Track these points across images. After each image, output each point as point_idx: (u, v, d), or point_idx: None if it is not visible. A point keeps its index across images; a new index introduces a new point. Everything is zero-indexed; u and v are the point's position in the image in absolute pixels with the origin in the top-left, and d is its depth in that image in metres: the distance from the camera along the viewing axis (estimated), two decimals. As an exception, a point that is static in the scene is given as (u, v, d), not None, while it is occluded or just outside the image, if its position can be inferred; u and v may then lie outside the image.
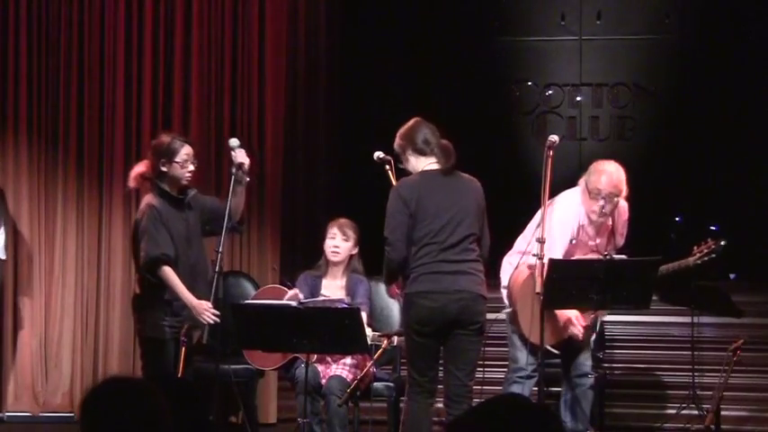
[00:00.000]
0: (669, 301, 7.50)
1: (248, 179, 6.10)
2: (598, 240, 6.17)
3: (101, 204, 7.95)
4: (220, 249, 5.94)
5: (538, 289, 5.75)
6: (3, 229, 7.78)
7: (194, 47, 7.92)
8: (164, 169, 6.01)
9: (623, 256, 6.07)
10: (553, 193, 6.05)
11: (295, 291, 6.35)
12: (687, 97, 8.59)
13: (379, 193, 5.82)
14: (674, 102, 8.66)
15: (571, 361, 6.14)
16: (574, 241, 6.15)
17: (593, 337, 6.25)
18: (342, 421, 6.08)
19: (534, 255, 5.80)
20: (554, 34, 8.69)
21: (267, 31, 7.92)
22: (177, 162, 6.01)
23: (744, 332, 7.20)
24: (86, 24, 7.97)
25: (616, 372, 7.58)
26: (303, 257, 7.16)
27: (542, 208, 5.92)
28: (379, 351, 5.97)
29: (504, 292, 6.24)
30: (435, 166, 5.63)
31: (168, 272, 5.90)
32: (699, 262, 6.25)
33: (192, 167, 6.06)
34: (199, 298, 5.96)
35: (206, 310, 5.90)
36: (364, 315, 6.19)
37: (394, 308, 6.64)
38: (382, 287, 6.81)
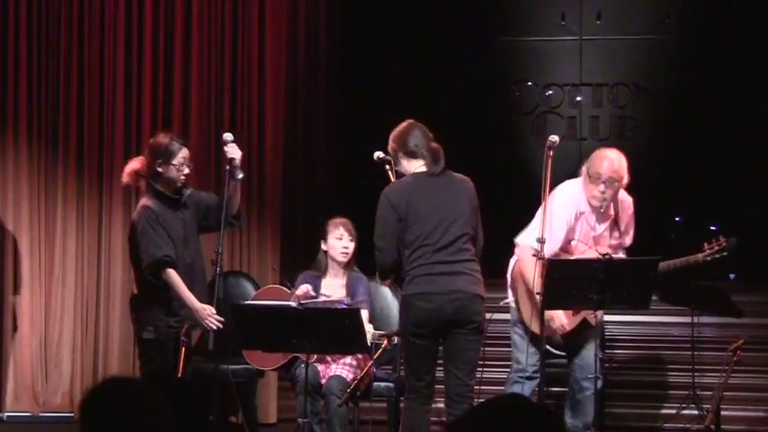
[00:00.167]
0: (669, 301, 7.50)
1: (242, 174, 6.08)
2: (600, 230, 6.16)
3: (101, 204, 7.95)
4: (220, 249, 5.94)
5: (538, 289, 5.76)
6: None
7: (194, 47, 7.92)
8: (159, 170, 6.00)
9: (623, 256, 6.07)
10: (553, 194, 6.08)
11: (307, 287, 6.36)
12: (687, 97, 8.59)
13: (379, 194, 5.82)
14: (674, 102, 8.65)
15: (579, 363, 6.13)
16: (574, 242, 6.15)
17: (599, 338, 6.23)
18: (342, 421, 6.08)
19: (534, 255, 5.80)
20: (554, 34, 8.69)
21: (267, 31, 7.92)
22: (174, 165, 6.00)
23: (744, 332, 7.20)
24: (86, 24, 7.97)
25: (616, 372, 7.58)
26: (303, 257, 7.16)
27: (542, 208, 5.92)
28: (379, 351, 5.97)
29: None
30: (425, 169, 5.64)
31: (172, 275, 5.90)
32: (709, 259, 6.25)
33: (187, 171, 6.05)
34: (197, 297, 5.97)
35: (209, 316, 5.90)
36: (366, 313, 6.21)
37: (394, 308, 6.64)
38: (382, 287, 6.84)
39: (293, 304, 5.90)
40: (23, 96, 7.96)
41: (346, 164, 8.26)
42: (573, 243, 6.17)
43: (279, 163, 7.94)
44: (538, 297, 5.79)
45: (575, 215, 6.14)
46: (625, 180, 6.14)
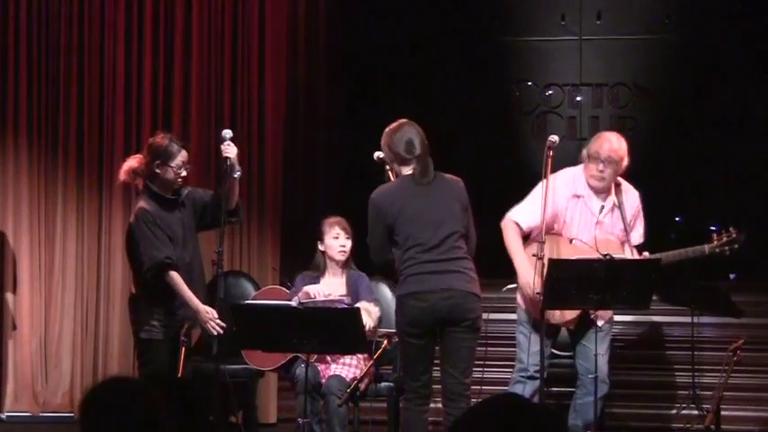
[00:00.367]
0: (669, 301, 7.49)
1: (239, 172, 6.07)
2: (602, 216, 6.15)
3: (101, 205, 7.95)
4: (220, 249, 5.94)
5: (538, 289, 5.76)
6: None
7: (194, 46, 7.93)
8: (157, 171, 5.99)
9: (623, 256, 6.07)
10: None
11: (317, 288, 6.39)
12: (687, 97, 8.59)
13: (379, 193, 5.82)
14: (673, 102, 8.65)
15: (585, 363, 6.12)
16: (574, 241, 6.14)
17: (609, 341, 6.22)
18: (342, 421, 6.08)
19: (534, 255, 5.80)
20: (554, 34, 8.69)
21: (267, 31, 7.92)
22: (171, 167, 5.99)
23: (744, 332, 7.19)
24: (86, 24, 7.97)
25: (616, 372, 7.57)
26: (303, 258, 7.16)
27: (542, 207, 5.92)
28: (379, 351, 5.98)
29: None
30: (411, 172, 5.65)
31: (175, 277, 5.90)
32: (716, 250, 6.20)
33: (184, 173, 6.04)
34: (195, 296, 5.98)
35: (211, 320, 5.90)
36: (377, 310, 6.22)
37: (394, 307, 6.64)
38: (381, 287, 6.84)
39: (293, 304, 5.90)
40: (23, 96, 7.96)
41: (346, 164, 8.26)
42: (573, 232, 6.15)
43: (279, 163, 7.94)
44: (538, 297, 5.80)
45: (568, 197, 6.13)
46: (625, 162, 6.16)
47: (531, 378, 6.06)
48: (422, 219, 5.55)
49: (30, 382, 7.90)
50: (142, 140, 7.73)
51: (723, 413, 6.80)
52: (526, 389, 6.05)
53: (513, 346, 6.38)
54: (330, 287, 6.46)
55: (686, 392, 7.30)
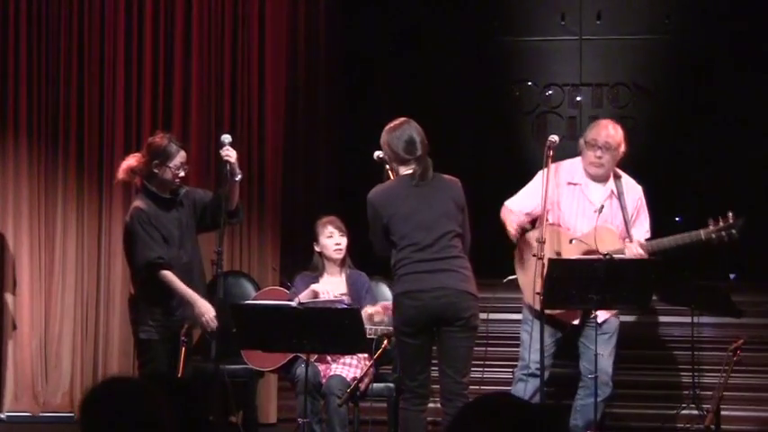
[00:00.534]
0: (669, 301, 7.49)
1: (240, 175, 6.07)
2: (600, 206, 6.15)
3: (101, 205, 7.95)
4: (220, 249, 5.94)
5: (538, 289, 5.76)
6: None
7: (194, 47, 7.92)
8: (155, 171, 6.00)
9: (623, 256, 6.07)
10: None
11: (325, 287, 6.40)
12: (687, 97, 8.59)
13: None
14: (673, 101, 8.65)
15: (587, 364, 6.12)
16: (574, 241, 6.14)
17: (614, 343, 6.22)
18: (342, 421, 6.08)
19: (534, 255, 5.80)
20: (554, 34, 8.69)
21: (267, 31, 7.92)
22: (170, 167, 5.99)
23: (744, 332, 7.19)
24: (86, 24, 7.97)
25: (616, 372, 7.57)
26: (303, 257, 7.16)
27: (542, 207, 5.92)
28: (379, 351, 5.97)
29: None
30: (411, 172, 5.66)
31: (168, 276, 5.91)
32: (713, 236, 6.17)
33: (182, 174, 6.04)
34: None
35: (209, 311, 5.91)
36: (379, 307, 6.23)
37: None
38: (381, 287, 6.84)
39: (293, 304, 5.90)
40: (23, 96, 7.96)
41: (346, 164, 8.26)
42: (571, 222, 6.15)
43: (279, 163, 7.94)
44: (538, 297, 5.80)
45: (561, 184, 6.13)
46: (622, 148, 6.19)
47: (532, 375, 6.05)
48: (416, 218, 5.56)
49: (30, 382, 7.90)
50: (142, 140, 7.72)
51: (723, 413, 6.79)
52: (528, 387, 6.05)
53: (513, 345, 6.38)
54: (330, 286, 6.47)
55: (686, 392, 7.30)
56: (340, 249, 6.51)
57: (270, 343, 5.75)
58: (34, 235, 7.94)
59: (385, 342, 5.96)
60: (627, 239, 6.17)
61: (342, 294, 6.46)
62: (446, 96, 8.53)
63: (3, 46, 7.97)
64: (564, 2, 8.67)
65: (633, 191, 6.28)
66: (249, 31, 7.92)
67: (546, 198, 5.93)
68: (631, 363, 7.46)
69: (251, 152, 7.86)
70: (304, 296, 6.38)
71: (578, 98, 8.67)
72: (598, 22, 8.61)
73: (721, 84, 8.46)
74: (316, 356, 6.08)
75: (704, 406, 7.04)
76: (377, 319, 6.21)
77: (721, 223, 6.16)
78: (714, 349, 7.30)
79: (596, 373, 5.98)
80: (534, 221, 6.20)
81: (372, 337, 6.06)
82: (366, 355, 6.22)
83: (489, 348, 6.46)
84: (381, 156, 5.90)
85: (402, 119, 5.73)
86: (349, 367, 6.28)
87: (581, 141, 6.24)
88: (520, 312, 6.37)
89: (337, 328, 5.56)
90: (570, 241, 6.14)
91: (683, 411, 7.25)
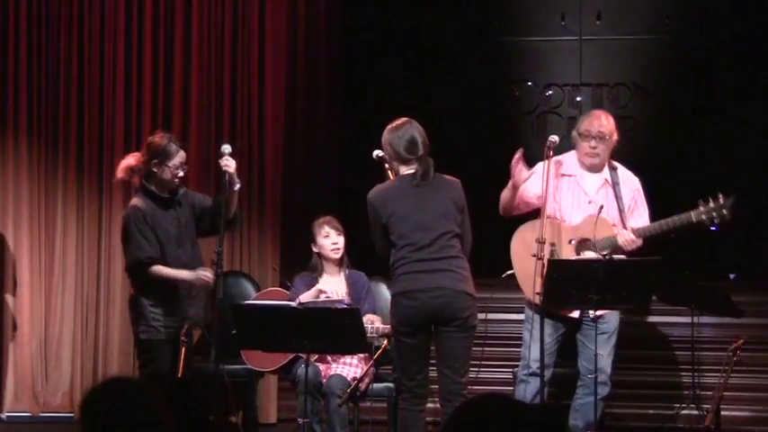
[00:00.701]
0: (669, 301, 7.49)
1: (238, 185, 6.09)
2: (593, 195, 6.15)
3: (101, 205, 7.95)
4: (220, 249, 5.94)
5: (538, 289, 5.76)
6: None
7: (194, 47, 7.92)
8: (154, 170, 6.01)
9: (623, 256, 6.07)
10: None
11: (333, 288, 6.41)
12: (687, 97, 8.59)
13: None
14: (673, 101, 8.65)
15: (586, 363, 6.12)
16: (573, 241, 6.14)
17: (613, 343, 6.21)
18: (342, 421, 6.08)
19: (534, 255, 5.80)
20: (554, 34, 8.69)
21: (267, 31, 7.92)
22: (169, 166, 6.00)
23: (744, 332, 7.19)
24: (86, 24, 7.97)
25: (616, 372, 7.57)
26: (303, 258, 7.16)
27: (542, 206, 5.93)
28: (379, 351, 5.98)
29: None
30: (412, 171, 5.66)
31: (156, 269, 5.93)
32: (703, 217, 6.15)
33: (181, 174, 6.06)
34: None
35: (201, 271, 5.92)
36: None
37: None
38: (381, 287, 6.85)
39: (293, 304, 5.90)
40: (23, 96, 7.96)
41: (346, 164, 8.26)
42: (567, 214, 6.15)
43: (279, 163, 7.94)
44: (537, 297, 5.79)
45: (556, 176, 6.13)
46: (615, 137, 6.24)
47: (533, 375, 6.04)
48: (414, 218, 5.57)
49: (30, 382, 7.90)
50: (142, 140, 7.71)
51: (723, 413, 6.80)
52: (529, 387, 6.04)
53: (511, 345, 6.38)
54: (330, 286, 6.47)
55: (686, 392, 7.30)
56: (338, 249, 6.52)
57: (270, 343, 5.75)
58: (34, 235, 7.94)
59: (385, 342, 5.97)
60: (617, 227, 6.16)
61: (342, 293, 6.46)
62: (446, 96, 8.53)
63: (3, 46, 7.97)
64: (564, 2, 8.66)
65: (630, 182, 6.29)
66: (249, 31, 7.92)
67: (546, 198, 5.92)
68: (631, 363, 7.47)
69: (251, 152, 7.86)
70: (309, 295, 6.38)
71: (578, 98, 8.67)
72: (598, 23, 8.61)
73: (721, 84, 8.46)
74: (316, 356, 6.08)
75: (704, 406, 7.05)
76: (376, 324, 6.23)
77: (711, 204, 6.15)
78: (714, 349, 7.31)
79: (596, 372, 5.98)
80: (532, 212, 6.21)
81: (373, 335, 6.07)
82: (366, 355, 6.22)
83: (488, 348, 6.45)
84: (381, 155, 5.90)
85: (404, 119, 5.74)
86: (349, 367, 6.28)
87: (574, 134, 6.27)
88: (518, 312, 6.38)
89: (337, 328, 5.56)
90: (570, 242, 6.13)
91: (683, 411, 7.25)
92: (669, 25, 8.57)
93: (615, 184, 6.20)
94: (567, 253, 6.09)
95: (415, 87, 8.54)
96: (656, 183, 8.11)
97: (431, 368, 5.71)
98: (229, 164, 6.02)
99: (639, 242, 6.12)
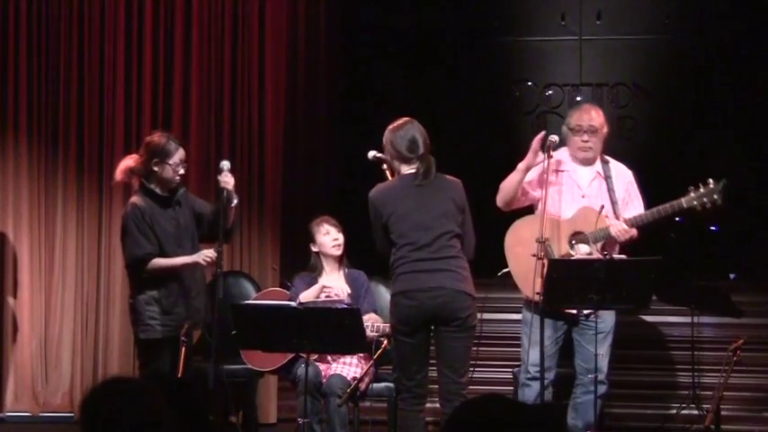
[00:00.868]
0: (669, 301, 7.49)
1: (236, 200, 6.10)
2: (586, 188, 6.16)
3: (101, 205, 7.95)
4: (219, 249, 5.94)
5: (538, 289, 5.75)
6: None
7: (194, 47, 7.92)
8: (155, 169, 6.01)
9: (623, 256, 6.06)
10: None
11: (339, 286, 6.42)
12: (687, 97, 8.59)
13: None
14: (673, 102, 8.65)
15: (582, 363, 6.12)
16: (573, 241, 6.14)
17: (609, 342, 6.21)
18: (342, 421, 6.08)
19: (534, 255, 5.80)
20: (554, 34, 8.69)
21: (267, 31, 7.92)
22: (170, 164, 6.01)
23: (744, 332, 7.19)
24: (86, 24, 7.97)
25: (616, 372, 7.58)
26: (303, 258, 7.16)
27: (542, 206, 5.93)
28: (379, 351, 5.98)
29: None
30: (413, 170, 5.67)
31: (155, 262, 5.92)
32: (695, 203, 6.13)
33: (182, 171, 6.06)
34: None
35: (204, 251, 5.92)
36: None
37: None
38: (381, 287, 6.85)
39: (293, 304, 5.90)
40: (23, 96, 7.96)
41: (346, 164, 8.27)
42: (562, 208, 6.16)
43: (279, 163, 7.94)
44: (537, 297, 5.79)
45: (545, 169, 6.15)
46: (605, 129, 6.24)
47: (533, 379, 6.04)
48: (414, 218, 5.57)
49: (30, 382, 7.90)
50: (142, 140, 7.71)
51: (723, 413, 6.80)
52: (530, 391, 6.02)
53: (507, 345, 6.37)
54: (331, 283, 6.48)
55: (686, 392, 7.30)
56: (339, 245, 6.53)
57: (270, 343, 5.75)
58: (34, 235, 7.94)
59: (385, 342, 5.97)
60: (609, 218, 6.16)
61: (344, 291, 6.47)
62: (446, 96, 8.53)
63: (3, 46, 7.97)
64: (564, 2, 8.67)
65: (623, 175, 6.29)
66: (249, 31, 7.92)
67: (546, 199, 5.92)
68: (631, 363, 7.47)
69: (251, 152, 7.86)
70: (311, 293, 6.38)
71: (578, 98, 8.66)
72: (598, 22, 8.61)
73: (721, 84, 8.46)
74: (316, 356, 6.08)
75: (704, 406, 7.04)
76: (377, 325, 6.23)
77: (702, 189, 6.14)
78: (714, 349, 7.31)
79: (596, 372, 5.98)
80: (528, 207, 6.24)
81: (374, 333, 6.07)
82: (366, 355, 6.22)
83: (486, 348, 6.45)
84: (378, 156, 5.92)
85: (405, 118, 5.75)
86: (349, 367, 6.28)
87: (564, 129, 6.26)
88: (515, 312, 6.36)
89: (337, 328, 5.56)
90: (571, 242, 6.13)
91: (683, 411, 7.25)
92: (669, 25, 8.57)
93: (608, 177, 6.21)
94: (561, 247, 6.07)
95: (415, 87, 8.54)
96: (655, 183, 8.11)
97: (431, 368, 5.71)
98: (228, 180, 6.04)
99: (633, 232, 6.11)
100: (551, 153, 6.03)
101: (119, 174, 6.16)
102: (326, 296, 6.41)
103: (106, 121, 7.96)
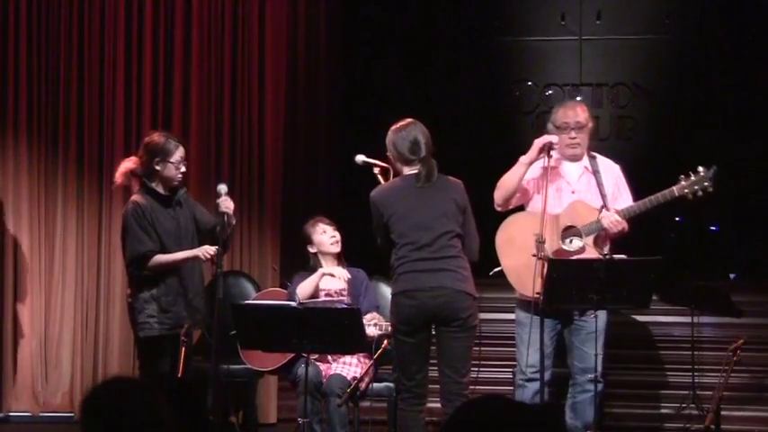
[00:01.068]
0: (669, 301, 7.49)
1: (233, 222, 6.12)
2: (574, 184, 6.17)
3: (101, 204, 7.95)
4: (219, 249, 5.94)
5: (538, 289, 5.75)
6: None
7: (194, 47, 7.92)
8: (157, 168, 6.02)
9: (623, 256, 6.06)
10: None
11: (341, 272, 6.44)
12: (687, 97, 8.60)
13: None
14: (673, 102, 8.66)
15: (579, 363, 6.12)
16: (573, 241, 6.14)
17: (602, 341, 6.21)
18: (342, 421, 6.08)
19: (534, 255, 5.80)
20: (554, 34, 8.70)
21: (267, 31, 7.92)
22: (172, 162, 6.02)
23: (744, 332, 7.19)
24: (86, 24, 7.97)
25: (616, 372, 7.58)
26: (303, 258, 7.16)
27: (542, 206, 5.93)
28: (379, 351, 5.98)
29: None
30: (415, 171, 5.67)
31: (156, 258, 5.93)
32: (686, 191, 6.13)
33: (183, 169, 6.07)
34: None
35: (203, 247, 5.92)
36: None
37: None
38: (381, 286, 6.85)
39: (293, 304, 5.90)
40: (23, 96, 7.96)
41: (346, 164, 8.26)
42: (555, 204, 6.16)
43: (279, 163, 7.94)
44: (523, 282, 5.80)
45: (537, 170, 6.14)
46: (590, 125, 6.26)
47: (529, 380, 6.04)
48: (415, 218, 5.58)
49: (30, 383, 7.90)
50: (142, 141, 7.72)
51: (723, 413, 6.80)
52: (526, 392, 6.02)
53: (504, 345, 6.36)
54: (331, 282, 6.48)
55: (686, 392, 7.29)
56: (337, 241, 6.54)
57: (270, 343, 5.75)
58: (34, 234, 7.94)
59: (385, 342, 5.97)
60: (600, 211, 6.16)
61: (341, 290, 6.47)
62: (446, 96, 8.53)
63: (3, 46, 7.97)
64: (564, 2, 8.67)
65: (610, 169, 6.30)
66: (249, 31, 7.92)
67: (546, 198, 5.92)
68: (631, 363, 7.47)
69: (251, 152, 7.86)
70: (312, 279, 6.37)
71: (578, 98, 8.66)
72: (598, 22, 8.61)
73: (721, 84, 8.46)
74: (316, 356, 6.08)
75: (704, 406, 7.04)
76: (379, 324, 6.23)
77: (693, 177, 6.14)
78: (714, 349, 7.31)
79: (595, 373, 5.98)
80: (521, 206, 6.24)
81: (375, 333, 6.07)
82: (367, 355, 6.22)
83: (487, 348, 6.45)
84: (365, 160, 5.95)
85: (408, 119, 5.75)
86: (349, 367, 6.27)
87: (550, 126, 6.25)
88: (511, 312, 6.34)
89: (337, 328, 5.56)
90: (570, 241, 6.13)
91: (683, 411, 7.25)
92: (669, 25, 8.57)
93: (596, 172, 6.22)
94: (554, 242, 6.06)
95: (415, 87, 8.54)
96: (655, 182, 8.10)
97: (432, 368, 5.71)
98: (230, 205, 6.04)
99: (624, 224, 6.10)
100: (551, 153, 6.03)
101: (119, 176, 6.16)
102: (327, 292, 6.40)
103: (106, 121, 7.96)
